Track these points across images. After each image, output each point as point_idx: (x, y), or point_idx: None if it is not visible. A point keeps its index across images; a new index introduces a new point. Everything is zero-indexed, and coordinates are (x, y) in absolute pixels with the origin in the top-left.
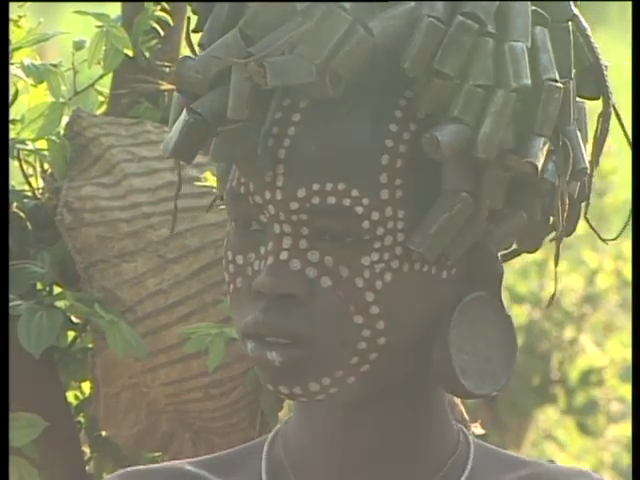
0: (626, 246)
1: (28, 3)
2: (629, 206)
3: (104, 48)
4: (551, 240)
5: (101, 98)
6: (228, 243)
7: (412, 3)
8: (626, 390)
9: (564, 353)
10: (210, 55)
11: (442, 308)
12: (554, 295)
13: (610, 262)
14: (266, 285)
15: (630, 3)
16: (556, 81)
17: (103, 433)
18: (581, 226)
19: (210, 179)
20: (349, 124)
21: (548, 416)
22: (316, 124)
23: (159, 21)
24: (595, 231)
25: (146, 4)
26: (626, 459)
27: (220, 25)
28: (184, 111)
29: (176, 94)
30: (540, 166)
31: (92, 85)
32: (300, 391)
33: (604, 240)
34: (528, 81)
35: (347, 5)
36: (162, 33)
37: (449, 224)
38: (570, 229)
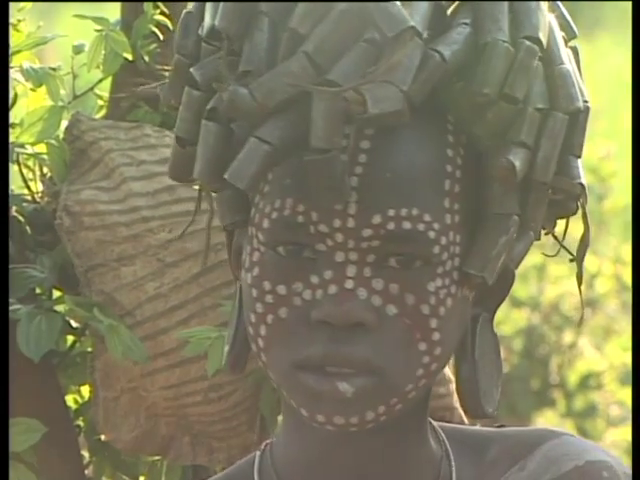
0: (625, 250)
1: (27, 7)
2: (629, 210)
3: (103, 52)
4: (571, 260)
5: (100, 102)
6: (263, 272)
7: (468, 28)
8: (625, 394)
9: (563, 357)
10: (275, 83)
11: (465, 330)
12: (581, 318)
13: (609, 266)
14: (335, 315)
15: (629, 4)
16: (587, 102)
17: (102, 437)
18: (580, 231)
19: None
20: (415, 149)
21: (547, 420)
22: (386, 151)
23: (158, 25)
24: (564, 247)
25: (145, 8)
26: (625, 463)
27: (264, 53)
28: (252, 140)
29: (205, 122)
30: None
31: (91, 89)
32: (356, 420)
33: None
34: (580, 104)
35: (420, 30)
36: (161, 37)
37: (505, 247)
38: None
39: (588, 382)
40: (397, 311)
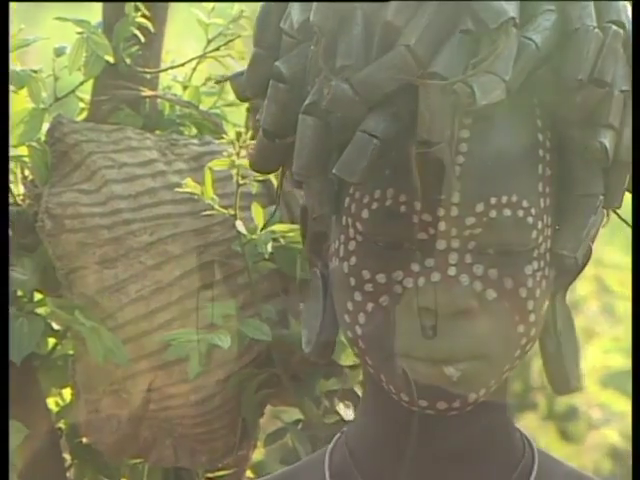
0: (606, 252)
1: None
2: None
3: (85, 54)
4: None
5: (82, 104)
6: (361, 261)
7: (554, 14)
8: (606, 397)
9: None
10: (377, 77)
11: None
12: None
13: (590, 268)
14: (442, 302)
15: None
16: None
17: (84, 440)
18: None
19: (190, 185)
20: (510, 135)
21: (529, 422)
22: (484, 139)
23: (140, 27)
24: (624, 220)
25: (127, 10)
26: (607, 465)
27: (360, 47)
28: (359, 134)
29: (304, 116)
30: None
31: (73, 91)
32: (459, 404)
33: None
34: None
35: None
36: (143, 39)
37: (593, 227)
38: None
39: None
40: (496, 295)
